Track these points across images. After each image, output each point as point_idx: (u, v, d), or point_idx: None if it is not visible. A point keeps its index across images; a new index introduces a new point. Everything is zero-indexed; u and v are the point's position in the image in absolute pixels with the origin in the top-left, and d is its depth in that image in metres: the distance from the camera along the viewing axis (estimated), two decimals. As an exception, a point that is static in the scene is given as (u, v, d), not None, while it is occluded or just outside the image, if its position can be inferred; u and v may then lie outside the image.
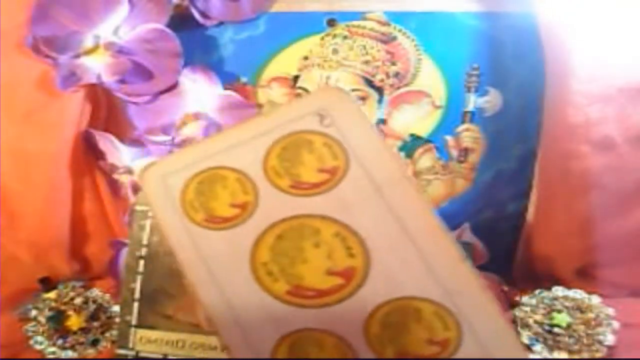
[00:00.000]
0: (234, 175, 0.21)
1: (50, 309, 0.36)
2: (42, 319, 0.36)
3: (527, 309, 0.34)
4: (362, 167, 0.21)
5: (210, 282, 0.20)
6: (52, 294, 0.37)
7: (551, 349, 0.33)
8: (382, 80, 0.41)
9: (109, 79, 0.34)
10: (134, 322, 0.33)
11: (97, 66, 0.34)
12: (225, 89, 0.39)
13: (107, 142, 0.37)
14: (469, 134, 0.41)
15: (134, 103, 0.36)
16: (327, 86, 0.22)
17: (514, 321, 0.34)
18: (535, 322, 0.34)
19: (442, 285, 0.19)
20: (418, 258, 0.20)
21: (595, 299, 0.34)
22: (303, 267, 0.20)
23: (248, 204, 0.21)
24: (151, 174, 0.22)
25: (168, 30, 0.35)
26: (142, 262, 0.33)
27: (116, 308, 0.36)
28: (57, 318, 0.36)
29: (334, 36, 0.40)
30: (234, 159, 0.22)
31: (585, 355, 0.32)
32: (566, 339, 0.33)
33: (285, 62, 0.41)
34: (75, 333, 0.36)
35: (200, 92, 0.37)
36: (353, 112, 0.22)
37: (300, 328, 0.19)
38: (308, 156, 0.21)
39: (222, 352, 0.31)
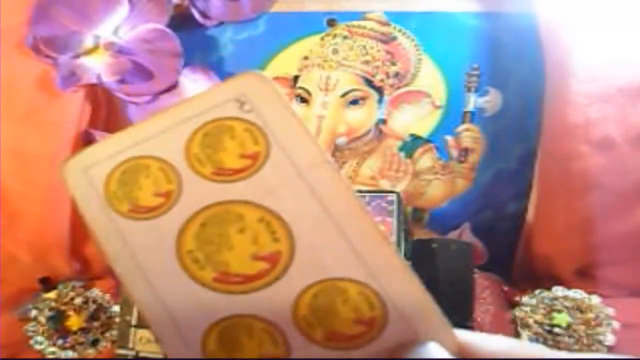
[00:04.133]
0: (157, 164, 0.21)
1: (50, 309, 0.36)
2: (42, 319, 0.36)
3: (527, 309, 0.34)
4: (284, 152, 0.21)
5: (138, 274, 0.20)
6: (52, 294, 0.37)
7: (551, 349, 0.33)
8: (382, 80, 0.41)
9: (109, 79, 0.34)
10: (134, 322, 0.33)
11: (97, 66, 0.34)
12: (225, 89, 0.39)
13: (107, 142, 0.37)
14: (469, 134, 0.41)
15: (134, 103, 0.36)
16: (247, 72, 0.22)
17: (514, 321, 0.34)
18: (536, 322, 0.34)
19: (366, 266, 0.20)
20: (341, 239, 0.20)
21: (595, 299, 0.34)
22: (229, 253, 0.20)
23: (172, 192, 0.21)
24: (73, 168, 0.22)
25: (168, 30, 0.35)
26: (142, 262, 0.33)
27: (116, 308, 0.36)
28: (57, 318, 0.36)
29: (334, 36, 0.40)
30: (156, 147, 0.21)
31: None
32: (566, 339, 0.33)
33: (285, 62, 0.41)
34: (75, 333, 0.36)
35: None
36: (273, 97, 0.22)
37: (229, 315, 0.19)
38: (230, 142, 0.21)
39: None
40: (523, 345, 0.20)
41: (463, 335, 0.19)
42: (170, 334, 0.19)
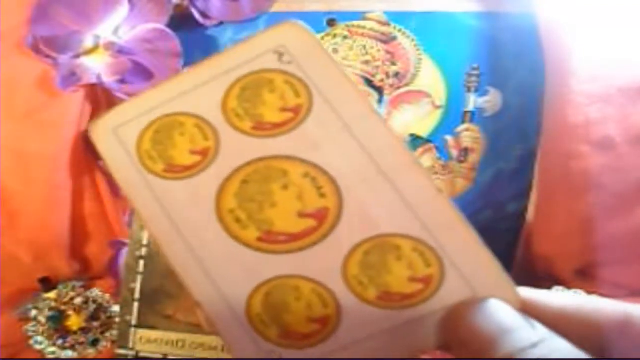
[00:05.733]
0: (192, 120, 0.20)
1: (50, 309, 0.36)
2: (42, 319, 0.36)
3: (527, 309, 0.34)
4: (328, 104, 0.20)
5: (176, 236, 0.19)
6: (52, 294, 0.37)
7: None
8: (382, 80, 0.41)
9: (109, 79, 0.34)
10: (134, 322, 0.33)
11: (97, 66, 0.34)
12: (225, 89, 0.39)
13: (107, 142, 0.37)
14: (469, 134, 0.41)
15: (134, 103, 0.36)
16: (286, 21, 0.21)
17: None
18: (535, 322, 0.34)
19: (420, 220, 0.19)
20: (393, 193, 0.19)
21: (595, 299, 0.34)
22: (272, 211, 0.19)
23: (209, 149, 0.20)
24: (101, 129, 0.20)
25: (168, 30, 0.35)
26: (142, 262, 0.33)
27: (116, 308, 0.36)
28: (57, 318, 0.36)
29: (334, 36, 0.40)
30: (191, 103, 0.20)
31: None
32: (566, 339, 0.33)
33: (285, 62, 0.41)
34: (75, 333, 0.36)
35: (200, 92, 0.37)
36: (314, 47, 0.21)
37: (275, 276, 0.18)
38: (269, 95, 0.20)
39: (222, 352, 0.31)
40: (591, 299, 0.18)
41: (526, 292, 0.18)
42: (211, 295, 0.18)
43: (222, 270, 0.19)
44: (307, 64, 0.20)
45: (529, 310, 0.18)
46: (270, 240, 0.19)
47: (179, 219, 0.19)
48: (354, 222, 0.19)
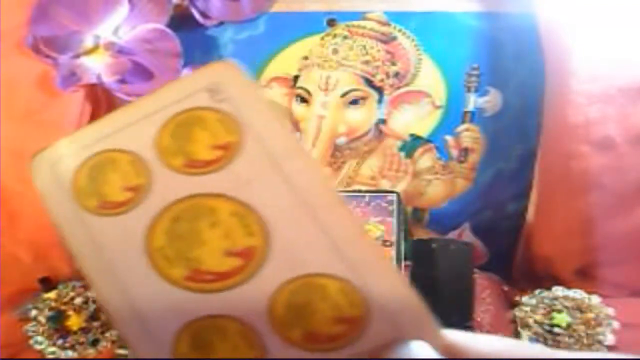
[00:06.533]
0: (126, 157, 0.20)
1: (50, 309, 0.36)
2: (42, 319, 0.36)
3: (527, 309, 0.34)
4: (258, 142, 0.20)
5: (105, 273, 0.19)
6: (52, 294, 0.37)
7: (551, 348, 0.33)
8: (382, 80, 0.41)
9: (109, 79, 0.34)
10: (134, 322, 0.33)
11: (97, 66, 0.34)
12: (225, 89, 0.39)
13: (107, 142, 0.37)
14: (469, 134, 0.41)
15: (134, 103, 0.36)
16: (218, 60, 0.21)
17: (513, 321, 0.34)
18: (536, 322, 0.34)
19: (346, 260, 0.18)
20: (320, 233, 0.19)
21: (595, 299, 0.34)
22: (200, 250, 0.19)
23: (141, 186, 0.20)
24: (38, 163, 0.21)
25: (168, 30, 0.35)
26: (142, 262, 0.33)
27: (116, 308, 0.36)
28: (57, 318, 0.36)
29: (334, 36, 0.40)
30: (126, 140, 0.20)
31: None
32: (566, 339, 0.33)
33: (285, 62, 0.41)
34: (75, 333, 0.36)
35: (200, 92, 0.37)
36: (245, 85, 0.21)
37: (202, 315, 0.18)
38: (201, 133, 0.20)
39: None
40: (515, 345, 0.18)
41: (450, 335, 0.18)
42: (139, 335, 0.18)
43: (150, 309, 0.19)
44: (239, 102, 0.21)
45: (451, 353, 0.17)
46: (198, 279, 0.19)
47: (109, 256, 0.19)
48: (280, 261, 0.19)
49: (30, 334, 0.36)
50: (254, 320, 0.18)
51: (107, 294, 0.19)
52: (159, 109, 0.21)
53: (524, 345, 0.18)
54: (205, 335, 0.18)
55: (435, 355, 0.17)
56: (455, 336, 0.18)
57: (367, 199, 0.37)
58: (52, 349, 0.35)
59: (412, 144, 0.42)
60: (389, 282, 0.18)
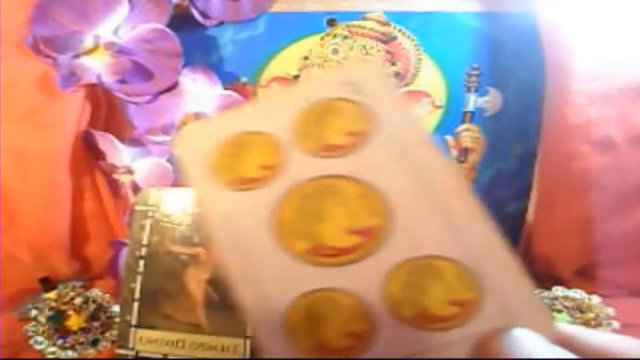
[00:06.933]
0: (264, 138, 0.22)
1: (50, 309, 0.36)
2: (42, 319, 0.36)
3: (527, 309, 0.34)
4: (390, 131, 0.21)
5: (231, 241, 0.20)
6: (52, 294, 0.37)
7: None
8: (382, 80, 0.41)
9: (109, 79, 0.34)
10: (134, 322, 0.33)
11: (97, 66, 0.34)
12: (226, 89, 0.39)
13: (107, 142, 0.37)
14: (469, 134, 0.41)
15: (134, 103, 0.36)
16: (359, 59, 0.23)
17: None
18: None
19: (465, 245, 0.19)
20: (441, 217, 0.20)
21: (595, 299, 0.34)
22: (324, 226, 0.20)
23: (276, 165, 0.21)
24: (183, 138, 0.23)
25: (168, 30, 0.35)
26: (142, 262, 0.33)
27: (116, 308, 0.36)
28: (57, 318, 0.36)
29: (334, 36, 0.40)
30: (264, 124, 0.22)
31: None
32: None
33: (285, 62, 0.41)
34: (75, 333, 0.36)
35: (200, 92, 0.37)
36: (383, 82, 0.23)
37: (317, 288, 0.19)
38: (336, 120, 0.22)
39: (222, 352, 0.31)
40: (621, 339, 0.18)
41: (568, 328, 0.18)
42: (254, 301, 0.19)
43: (269, 277, 0.20)
44: (376, 96, 0.22)
45: (565, 346, 0.17)
46: (319, 253, 0.20)
47: (238, 228, 0.20)
48: (400, 242, 0.20)
49: (30, 334, 0.36)
50: (368, 296, 0.19)
51: (228, 260, 0.20)
52: (298, 98, 0.23)
53: (629, 340, 0.18)
54: (319, 306, 0.19)
55: (543, 343, 0.17)
56: (566, 328, 0.18)
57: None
58: (52, 349, 0.35)
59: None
60: (504, 269, 0.19)
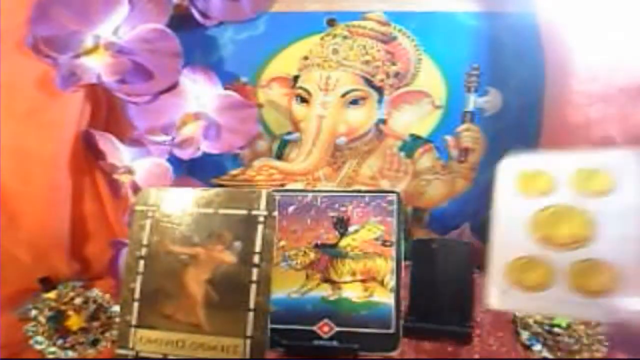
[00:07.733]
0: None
1: (50, 309, 0.36)
2: (42, 319, 0.36)
3: (527, 309, 0.34)
4: None
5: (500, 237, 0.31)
6: (52, 294, 0.37)
7: (551, 349, 0.33)
8: (382, 80, 0.41)
9: (109, 79, 0.34)
10: (134, 322, 0.33)
11: (97, 66, 0.34)
12: (225, 89, 0.39)
13: (107, 142, 0.37)
14: (469, 134, 0.41)
15: (134, 103, 0.36)
16: None
17: (513, 321, 0.34)
18: (535, 322, 0.34)
19: None
20: None
21: (596, 299, 0.34)
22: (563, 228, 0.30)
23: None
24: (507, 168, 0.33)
25: (168, 30, 0.35)
26: (142, 262, 0.33)
27: (116, 308, 0.36)
28: (57, 318, 0.36)
29: (334, 36, 0.40)
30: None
31: (585, 355, 0.32)
32: (566, 339, 0.33)
33: (285, 62, 0.41)
34: (75, 333, 0.36)
35: (200, 92, 0.37)
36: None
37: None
38: None
39: (222, 352, 0.31)
40: None
41: None
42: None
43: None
44: None
45: None
46: (555, 244, 0.30)
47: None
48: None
49: (30, 334, 0.36)
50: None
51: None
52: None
53: None
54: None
55: None
56: None
57: (367, 199, 0.37)
58: (52, 349, 0.35)
59: (412, 144, 0.42)
60: None
